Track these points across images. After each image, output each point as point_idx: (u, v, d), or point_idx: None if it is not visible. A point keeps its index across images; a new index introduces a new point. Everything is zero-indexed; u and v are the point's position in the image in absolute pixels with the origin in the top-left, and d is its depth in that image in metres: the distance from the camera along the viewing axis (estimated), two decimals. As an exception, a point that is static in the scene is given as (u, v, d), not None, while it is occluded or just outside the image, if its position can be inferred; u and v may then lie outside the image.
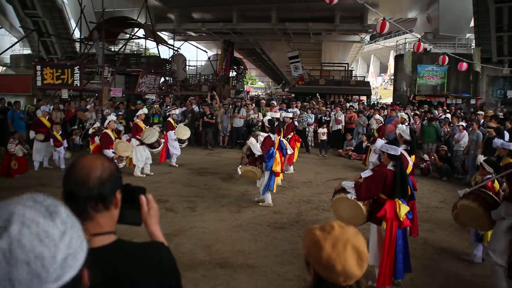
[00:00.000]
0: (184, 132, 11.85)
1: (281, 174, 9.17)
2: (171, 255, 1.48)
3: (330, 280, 1.50)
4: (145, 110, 12.25)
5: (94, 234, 1.34)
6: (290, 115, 11.42)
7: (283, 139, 9.15)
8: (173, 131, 11.59)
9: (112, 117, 9.78)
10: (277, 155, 7.95)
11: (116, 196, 1.40)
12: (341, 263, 1.45)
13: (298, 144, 11.62)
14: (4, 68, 29.89)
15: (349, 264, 1.45)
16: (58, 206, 0.93)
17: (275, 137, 8.03)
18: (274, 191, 8.10)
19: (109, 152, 8.94)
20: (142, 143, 10.31)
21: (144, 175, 10.42)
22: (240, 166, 8.24)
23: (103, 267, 1.30)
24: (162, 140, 10.90)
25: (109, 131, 9.28)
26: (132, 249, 1.40)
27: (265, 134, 8.01)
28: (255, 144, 7.80)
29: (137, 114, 11.26)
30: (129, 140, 10.31)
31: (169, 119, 12.11)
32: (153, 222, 1.55)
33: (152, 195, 1.58)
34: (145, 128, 10.60)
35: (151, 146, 10.35)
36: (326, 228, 1.53)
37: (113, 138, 9.34)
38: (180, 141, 11.72)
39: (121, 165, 9.25)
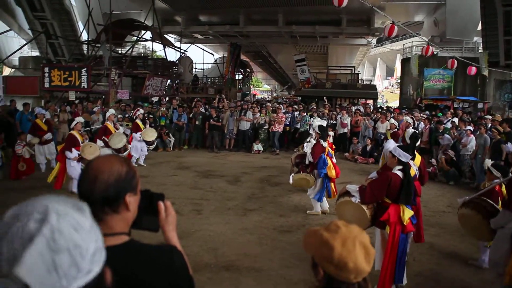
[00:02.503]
0: (151, 134, 11.78)
1: None
2: (183, 259, 1.48)
3: (342, 278, 1.52)
4: (112, 111, 11.82)
5: (105, 234, 1.35)
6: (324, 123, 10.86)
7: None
8: (139, 133, 11.68)
9: (79, 119, 9.59)
10: (329, 161, 7.77)
11: (126, 199, 1.39)
12: (352, 260, 1.49)
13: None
14: (13, 70, 30.15)
15: (359, 261, 1.50)
16: (82, 203, 0.98)
17: (325, 144, 7.83)
18: (333, 198, 7.69)
19: (71, 154, 8.66)
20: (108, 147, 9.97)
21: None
22: (292, 174, 8.05)
23: (114, 266, 1.31)
24: (129, 145, 10.71)
25: (75, 132, 9.02)
26: (143, 251, 1.40)
27: (313, 141, 7.79)
28: (308, 152, 7.65)
29: (106, 115, 11.11)
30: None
31: (137, 120, 12.23)
32: (170, 228, 1.56)
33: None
34: (115, 132, 10.35)
35: (117, 151, 9.79)
36: (332, 228, 1.56)
37: (78, 139, 9.05)
38: (147, 143, 11.71)
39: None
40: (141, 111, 12.95)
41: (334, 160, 8.43)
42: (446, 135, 12.06)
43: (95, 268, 0.91)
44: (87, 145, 8.81)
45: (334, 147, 10.06)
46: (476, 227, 5.00)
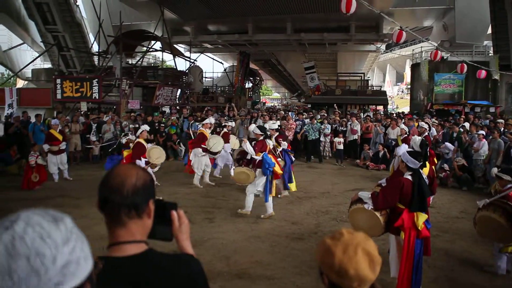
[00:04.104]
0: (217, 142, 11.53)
1: (294, 185, 9.35)
2: (201, 268, 1.49)
3: (345, 286, 1.51)
4: (212, 120, 11.79)
5: (125, 242, 1.38)
6: (275, 126, 11.14)
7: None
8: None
9: (145, 126, 9.72)
10: (273, 159, 8.02)
11: (149, 205, 1.43)
12: (353, 267, 1.47)
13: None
14: (26, 82, 30.59)
15: (361, 268, 1.48)
16: (65, 217, 0.97)
17: (270, 142, 8.24)
18: (273, 194, 8.09)
19: (141, 162, 8.79)
20: (207, 152, 10.32)
21: (201, 186, 10.46)
22: (233, 168, 8.23)
23: (133, 276, 1.33)
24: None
25: (142, 140, 9.20)
26: (162, 260, 1.41)
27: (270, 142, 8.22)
28: (249, 147, 7.94)
29: (202, 122, 11.16)
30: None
31: (202, 129, 11.57)
32: (184, 237, 1.56)
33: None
34: (209, 136, 10.54)
35: (214, 154, 10.31)
36: (336, 236, 1.57)
37: (146, 146, 9.26)
38: (212, 153, 10.99)
39: (156, 169, 9.28)
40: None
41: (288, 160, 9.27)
42: (447, 143, 11.91)
43: (69, 282, 0.90)
44: (152, 149, 9.08)
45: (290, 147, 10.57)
46: (497, 230, 4.93)
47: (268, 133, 8.45)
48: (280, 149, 9.29)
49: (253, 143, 8.24)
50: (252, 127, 8.82)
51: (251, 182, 7.99)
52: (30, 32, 27.38)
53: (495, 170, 5.69)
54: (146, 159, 8.91)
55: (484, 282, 5.29)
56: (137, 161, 8.67)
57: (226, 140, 11.22)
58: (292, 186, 9.51)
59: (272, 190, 8.00)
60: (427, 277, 5.13)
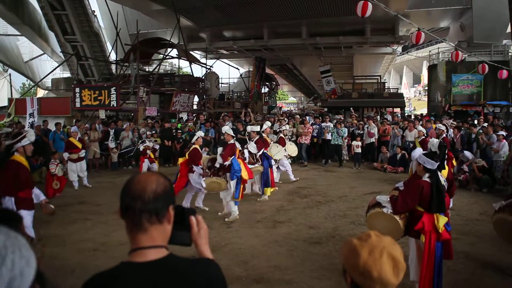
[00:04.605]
0: (294, 149, 11.26)
1: (269, 190, 9.62)
2: (221, 273, 1.52)
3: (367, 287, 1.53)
4: (269, 124, 11.71)
5: (147, 247, 1.42)
6: (257, 129, 10.86)
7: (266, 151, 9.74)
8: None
9: (200, 133, 9.50)
10: (241, 163, 8.14)
11: (169, 211, 1.47)
12: (377, 270, 1.49)
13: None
14: (46, 91, 31.23)
15: (385, 271, 1.49)
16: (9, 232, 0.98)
17: (239, 146, 8.39)
18: (239, 199, 8.15)
19: (198, 169, 8.49)
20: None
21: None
22: (203, 179, 8.22)
23: (155, 281, 1.36)
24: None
25: (197, 147, 8.96)
26: (183, 265, 1.44)
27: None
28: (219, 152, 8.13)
29: (263, 128, 10.89)
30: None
31: (281, 135, 11.51)
32: (203, 242, 1.59)
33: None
34: (271, 143, 10.51)
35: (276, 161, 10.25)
36: (363, 237, 1.58)
37: (201, 153, 9.06)
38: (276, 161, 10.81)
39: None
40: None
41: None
42: (466, 152, 11.70)
43: None
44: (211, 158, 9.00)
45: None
46: None
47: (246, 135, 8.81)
48: (259, 152, 9.54)
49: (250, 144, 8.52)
50: (226, 128, 8.85)
51: (224, 189, 8.09)
52: (50, 42, 28.05)
53: None
54: (201, 166, 8.60)
55: (506, 286, 5.19)
56: (194, 167, 8.45)
57: (282, 145, 11.24)
58: (267, 191, 9.64)
59: (239, 194, 8.10)
60: (447, 281, 5.06)
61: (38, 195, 5.56)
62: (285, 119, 17.03)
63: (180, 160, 8.97)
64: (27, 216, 5.33)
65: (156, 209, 1.42)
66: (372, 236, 1.57)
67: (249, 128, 9.78)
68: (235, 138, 8.33)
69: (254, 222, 7.83)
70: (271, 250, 6.36)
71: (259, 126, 10.57)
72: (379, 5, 11.03)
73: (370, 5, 10.66)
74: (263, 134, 10.55)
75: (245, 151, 9.18)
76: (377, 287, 1.51)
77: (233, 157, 7.98)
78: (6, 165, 5.37)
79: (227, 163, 7.93)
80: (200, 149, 8.93)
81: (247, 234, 7.14)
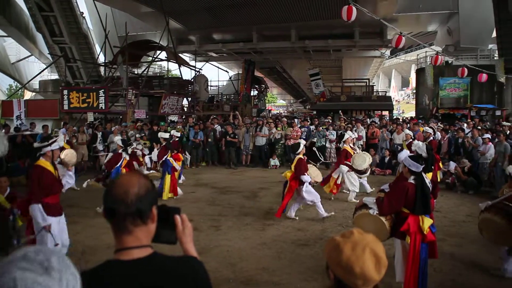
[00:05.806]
0: (361, 160, 9.75)
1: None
2: (204, 269, 1.54)
3: (349, 283, 1.56)
4: (350, 133, 10.93)
5: (132, 247, 1.44)
6: (178, 134, 11.55)
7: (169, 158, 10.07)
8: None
9: (349, 133, 9.34)
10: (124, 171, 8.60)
11: (153, 211, 1.49)
12: (359, 265, 1.52)
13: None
14: (34, 93, 30.94)
15: (367, 267, 1.52)
16: (50, 258, 1.00)
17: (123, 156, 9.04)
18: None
19: (306, 178, 8.04)
20: (352, 169, 9.66)
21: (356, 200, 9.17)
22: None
23: (140, 279, 1.39)
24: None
25: (348, 148, 8.64)
26: (167, 262, 1.47)
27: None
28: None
29: (344, 138, 10.39)
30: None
31: (345, 145, 10.32)
32: (187, 240, 1.62)
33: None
34: (354, 153, 9.94)
35: (360, 172, 9.61)
36: (346, 234, 1.62)
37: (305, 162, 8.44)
38: (359, 172, 9.76)
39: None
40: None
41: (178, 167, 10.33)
42: (451, 162, 11.79)
43: None
44: (311, 167, 8.69)
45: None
46: (500, 232, 4.92)
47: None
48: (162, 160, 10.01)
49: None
50: (116, 138, 9.53)
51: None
52: (38, 44, 27.81)
53: (510, 168, 5.70)
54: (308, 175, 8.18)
55: (492, 285, 5.26)
56: (304, 177, 7.99)
57: (344, 160, 10.10)
58: (164, 195, 9.82)
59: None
60: (433, 281, 5.12)
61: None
62: (272, 122, 16.99)
63: (288, 174, 8.36)
64: (54, 223, 5.23)
65: (139, 211, 1.44)
66: (355, 233, 1.60)
67: (172, 132, 10.52)
68: (123, 148, 9.06)
69: (242, 225, 7.84)
70: (260, 252, 6.38)
71: (168, 134, 10.77)
72: (363, 10, 11.14)
73: (354, 10, 10.74)
74: (345, 144, 10.14)
75: (147, 158, 10.04)
76: (359, 282, 1.54)
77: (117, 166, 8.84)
78: (31, 171, 5.29)
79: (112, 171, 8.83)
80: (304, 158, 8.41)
81: (236, 236, 7.14)
